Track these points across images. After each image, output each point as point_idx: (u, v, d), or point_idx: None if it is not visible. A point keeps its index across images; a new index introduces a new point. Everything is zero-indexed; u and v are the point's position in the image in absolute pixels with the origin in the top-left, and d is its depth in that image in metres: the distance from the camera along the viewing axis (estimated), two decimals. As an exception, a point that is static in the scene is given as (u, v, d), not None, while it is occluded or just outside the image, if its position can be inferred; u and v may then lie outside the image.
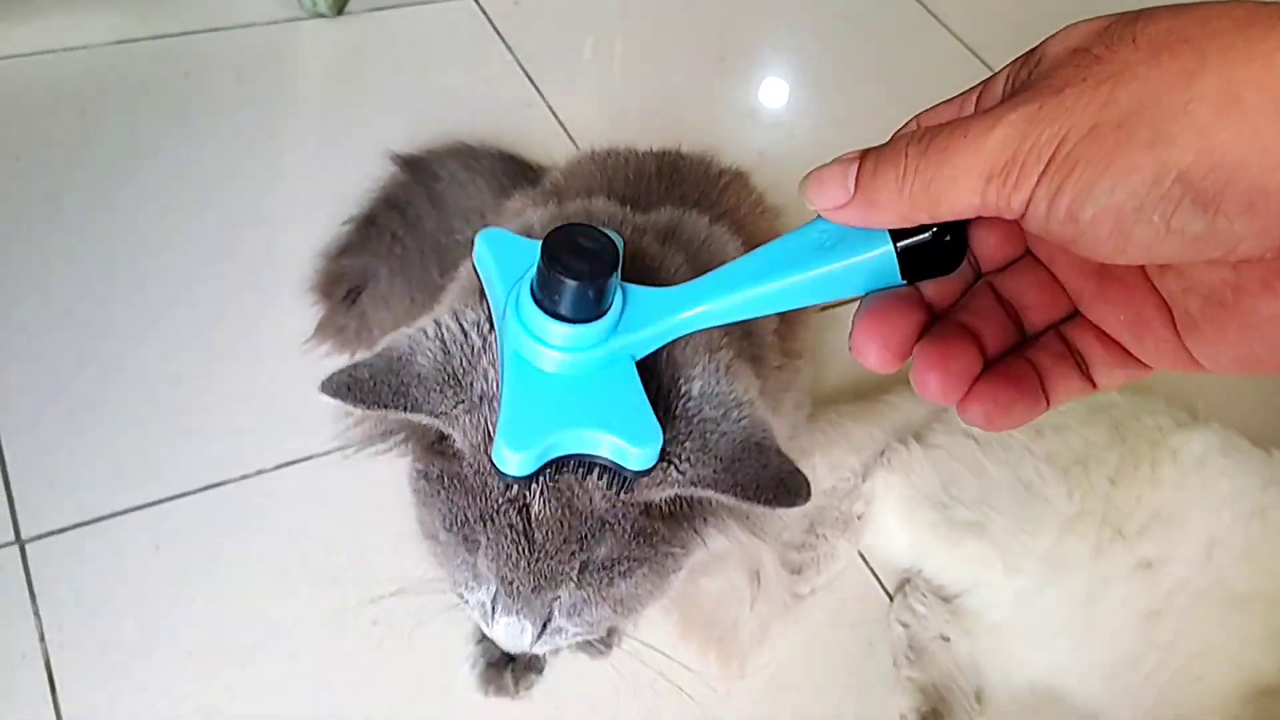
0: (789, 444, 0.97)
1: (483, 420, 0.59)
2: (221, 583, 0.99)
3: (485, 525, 0.60)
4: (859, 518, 1.07)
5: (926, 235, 0.44)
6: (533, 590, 0.61)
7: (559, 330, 0.50)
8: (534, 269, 0.51)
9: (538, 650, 0.67)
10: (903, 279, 0.45)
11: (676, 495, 0.60)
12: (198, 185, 1.28)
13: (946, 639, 1.02)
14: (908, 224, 0.42)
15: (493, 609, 0.64)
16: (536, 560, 0.60)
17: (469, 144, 1.27)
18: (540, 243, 0.50)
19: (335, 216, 1.22)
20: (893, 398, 1.13)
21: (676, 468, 0.58)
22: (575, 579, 0.61)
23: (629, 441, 0.53)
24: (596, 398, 0.53)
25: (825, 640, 1.05)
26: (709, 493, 0.58)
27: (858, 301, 0.47)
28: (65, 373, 1.10)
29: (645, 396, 0.54)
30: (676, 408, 0.60)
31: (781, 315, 0.85)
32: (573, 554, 0.60)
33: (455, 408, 0.59)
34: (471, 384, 0.59)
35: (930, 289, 0.46)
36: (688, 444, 0.59)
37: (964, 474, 1.04)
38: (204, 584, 0.99)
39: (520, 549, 0.60)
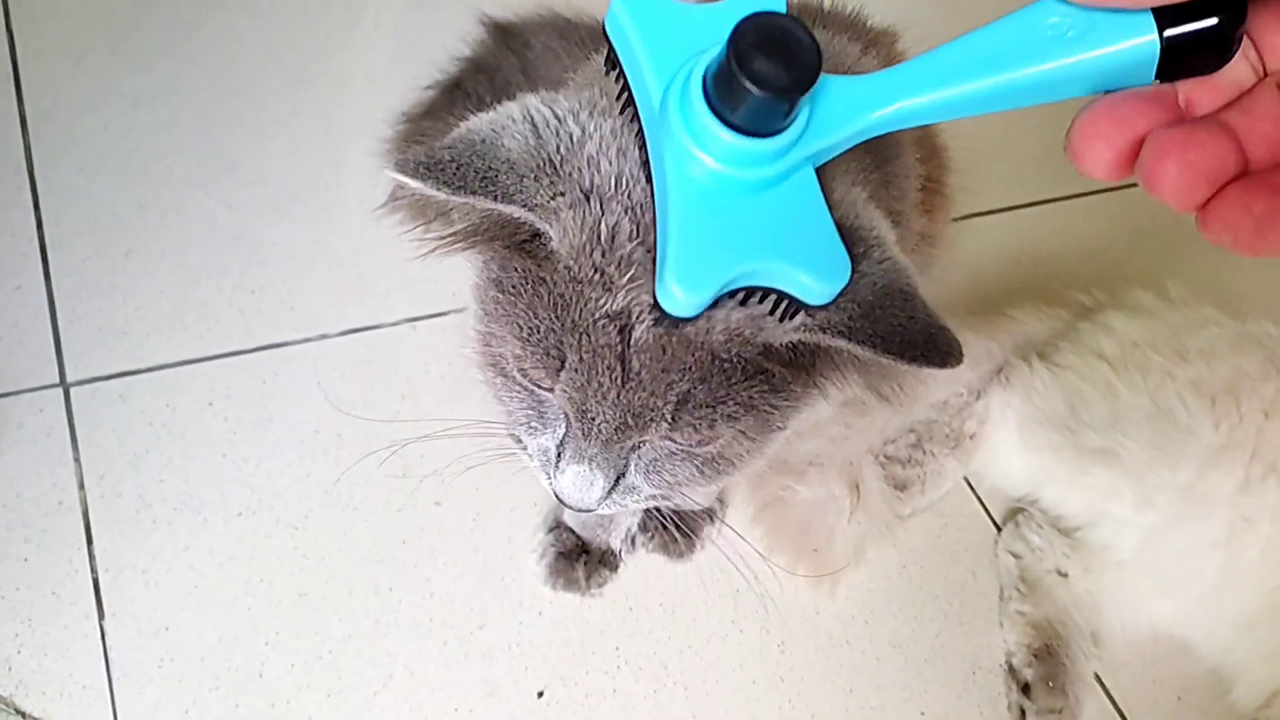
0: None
1: (590, 217, 0.48)
2: (276, 446, 0.91)
3: (576, 341, 0.49)
4: (971, 437, 0.97)
5: (1209, 21, 0.34)
6: (616, 429, 0.51)
7: (741, 144, 0.40)
8: (707, 60, 0.40)
9: (604, 510, 0.57)
10: (1158, 76, 0.36)
11: (802, 341, 0.49)
12: (272, 38, 1.20)
13: (1064, 574, 0.92)
14: None
15: (559, 455, 0.54)
16: (628, 389, 0.50)
17: (564, 15, 1.18)
18: (717, 16, 0.41)
19: (417, 80, 1.13)
20: (1017, 312, 1.03)
21: (807, 309, 0.47)
22: (669, 419, 0.51)
23: (815, 276, 0.43)
24: (780, 222, 0.43)
25: (925, 566, 0.95)
26: (842, 342, 0.47)
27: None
28: (123, 216, 1.02)
29: (831, 218, 0.44)
30: None
31: (923, 182, 0.74)
32: (670, 386, 0.49)
33: (554, 200, 0.48)
34: (573, 174, 0.48)
35: (1190, 89, 0.36)
36: None
37: (1094, 397, 0.93)
38: (257, 446, 0.91)
39: (612, 374, 0.49)
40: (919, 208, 0.73)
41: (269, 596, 0.84)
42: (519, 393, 0.55)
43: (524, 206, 0.47)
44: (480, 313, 0.56)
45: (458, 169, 0.47)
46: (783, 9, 0.40)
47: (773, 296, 0.46)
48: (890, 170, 0.63)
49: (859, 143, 0.43)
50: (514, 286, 0.52)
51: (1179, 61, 0.35)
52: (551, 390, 0.53)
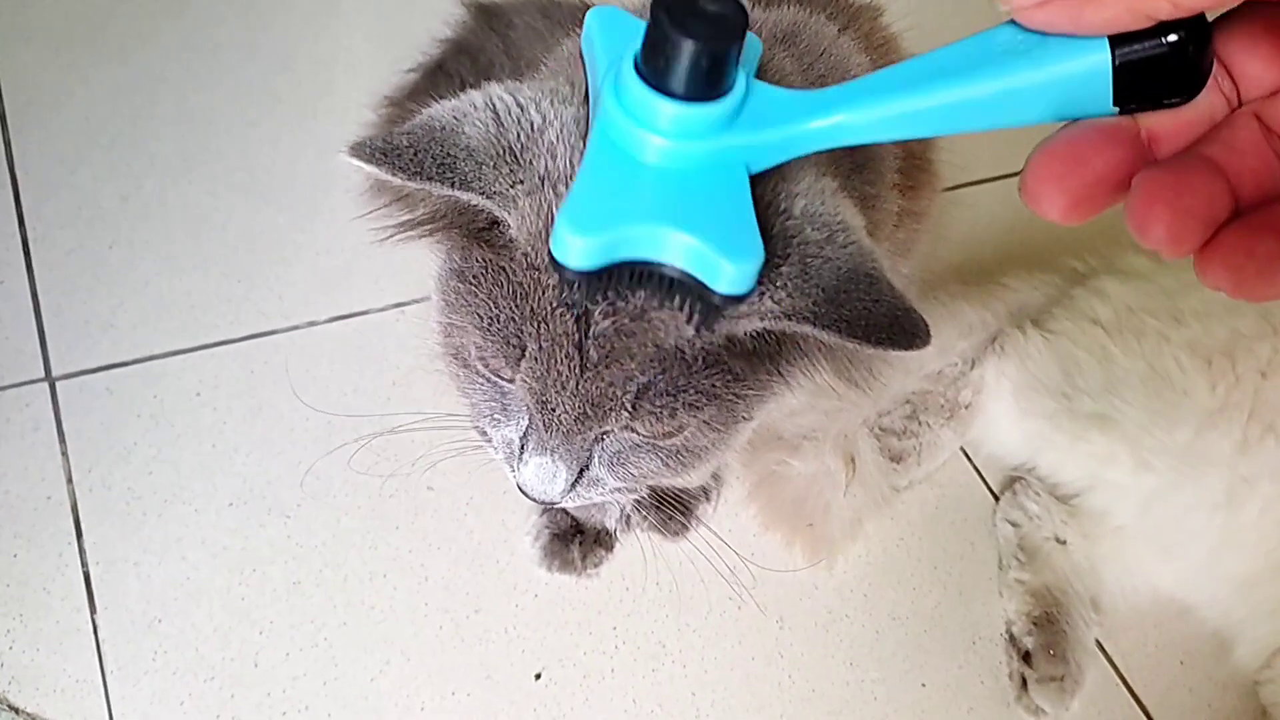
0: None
1: (546, 205, 0.48)
2: (266, 436, 0.91)
3: (534, 329, 0.49)
4: (966, 407, 0.97)
5: (1162, 40, 0.32)
6: (576, 419, 0.50)
7: (663, 108, 0.39)
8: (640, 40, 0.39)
9: (568, 504, 0.56)
10: (1115, 104, 0.34)
11: (766, 330, 0.48)
12: (251, 23, 1.18)
13: (1062, 541, 0.92)
14: (1137, 22, 0.31)
15: (522, 447, 0.54)
16: (586, 379, 0.49)
17: (548, -8, 1.17)
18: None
19: (398, 63, 1.11)
20: (1010, 280, 1.02)
21: (771, 296, 0.46)
22: (629, 408, 0.50)
23: (721, 253, 0.41)
24: (692, 197, 0.41)
25: (923, 538, 0.94)
26: (807, 328, 0.46)
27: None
28: (104, 207, 1.01)
29: (752, 208, 0.42)
30: (775, 225, 0.47)
31: (905, 161, 0.73)
32: (629, 376, 0.49)
33: (513, 188, 0.47)
34: (532, 162, 0.48)
35: (1154, 122, 0.34)
36: (785, 269, 0.46)
37: (1089, 362, 0.93)
38: (247, 435, 0.90)
39: (570, 363, 0.49)
40: (901, 187, 0.71)
41: (262, 586, 0.83)
42: (482, 384, 0.54)
43: (481, 194, 0.47)
44: (442, 303, 0.55)
45: (415, 155, 0.46)
46: None
47: (682, 298, 0.43)
48: (863, 154, 0.62)
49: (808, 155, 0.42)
50: (475, 276, 0.51)
51: (1137, 87, 0.33)
52: (512, 380, 0.52)
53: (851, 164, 0.59)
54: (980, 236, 1.10)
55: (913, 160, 0.75)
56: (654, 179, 0.41)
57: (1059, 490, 0.94)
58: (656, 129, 0.39)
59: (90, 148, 1.05)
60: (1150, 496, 0.88)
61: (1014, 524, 0.93)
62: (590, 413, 0.50)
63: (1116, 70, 0.33)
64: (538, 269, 0.48)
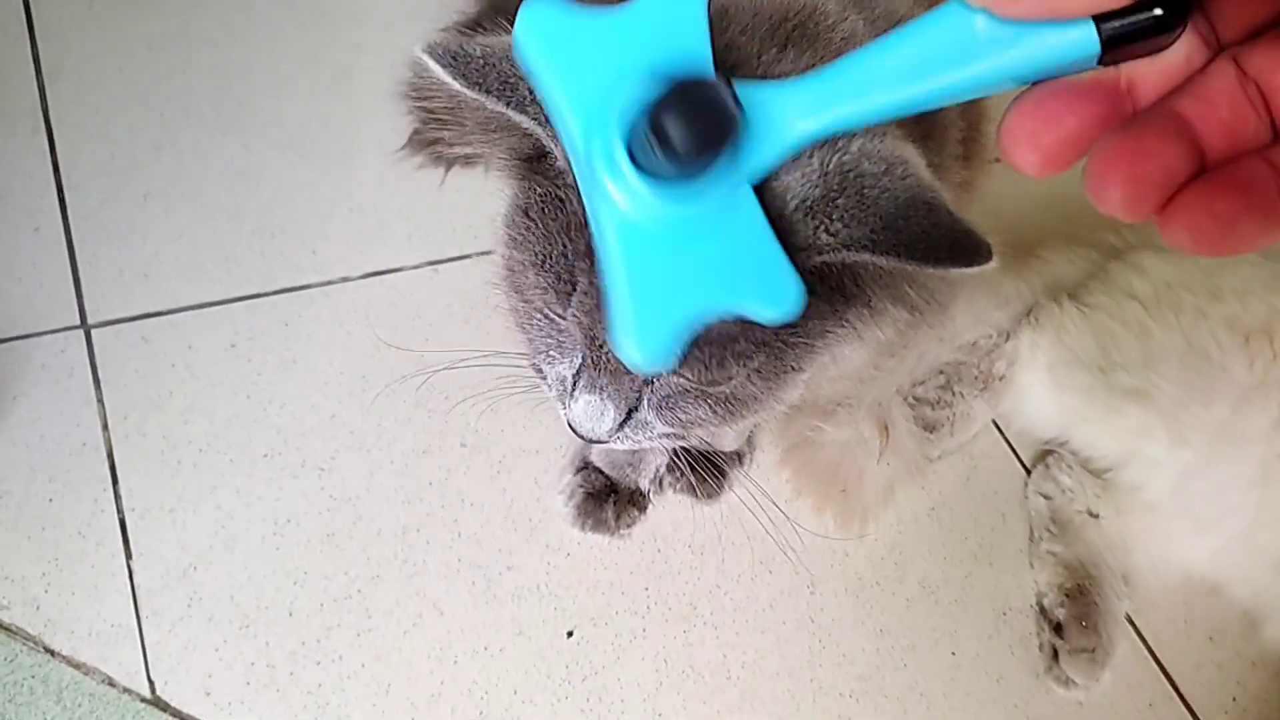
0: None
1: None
2: (300, 388, 0.90)
3: (587, 265, 0.49)
4: (1000, 379, 0.96)
5: (1150, 14, 0.32)
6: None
7: (669, 192, 0.39)
8: (625, 109, 0.38)
9: (616, 445, 0.56)
10: (1099, 64, 0.33)
11: (823, 264, 0.48)
12: (288, -20, 1.18)
13: (1095, 515, 0.92)
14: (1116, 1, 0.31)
15: (574, 383, 0.54)
16: None
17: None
18: (627, 26, 0.39)
19: (434, 21, 1.11)
20: (1047, 253, 1.01)
21: (827, 229, 0.46)
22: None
23: (765, 306, 0.41)
24: (720, 254, 0.41)
25: (954, 508, 0.94)
26: (866, 256, 0.46)
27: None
28: (140, 159, 1.01)
29: (776, 240, 0.42)
30: (830, 162, 0.48)
31: (966, 127, 0.73)
32: None
33: None
34: None
35: (1134, 70, 0.34)
36: (841, 200, 0.46)
37: (1126, 337, 0.92)
38: (281, 388, 0.90)
39: None
40: (959, 160, 0.71)
41: (297, 537, 0.83)
42: (539, 320, 0.55)
43: (534, 120, 0.47)
44: (506, 239, 0.55)
45: (483, 66, 0.47)
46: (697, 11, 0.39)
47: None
48: (929, 123, 0.62)
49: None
50: (534, 211, 0.51)
51: (1119, 48, 0.33)
52: (564, 317, 0.52)
53: (919, 132, 0.59)
54: (1017, 209, 1.09)
55: (968, 131, 0.75)
56: (685, 251, 0.40)
57: (1092, 464, 0.93)
58: (672, 202, 0.39)
59: (125, 99, 1.04)
60: (1185, 472, 0.88)
61: (1047, 496, 0.93)
62: None
63: (1104, 42, 0.33)
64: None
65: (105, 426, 0.86)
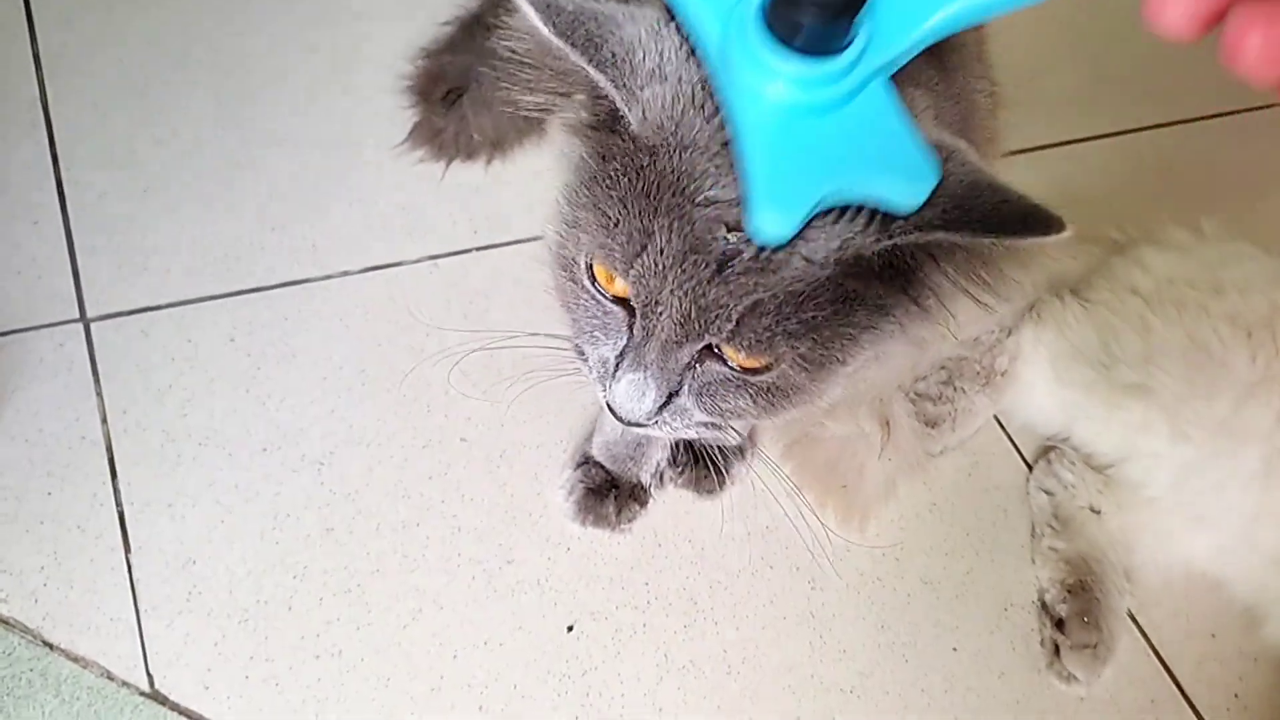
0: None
1: (668, 93, 0.49)
2: (300, 383, 0.90)
3: (666, 223, 0.49)
4: (1002, 374, 0.96)
5: None
6: (678, 325, 0.50)
7: (808, 68, 0.41)
8: None
9: (655, 431, 0.56)
10: None
11: (887, 251, 0.48)
12: (288, -26, 1.17)
13: (1097, 511, 0.91)
14: None
15: (617, 365, 0.54)
16: (707, 285, 0.49)
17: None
18: None
19: (435, 15, 1.11)
20: (1049, 248, 1.01)
21: (896, 217, 0.47)
22: (733, 323, 0.49)
23: (904, 179, 0.43)
24: (856, 135, 0.43)
25: (955, 504, 0.94)
26: (940, 235, 0.46)
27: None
28: (139, 152, 1.00)
29: (910, 124, 0.44)
30: None
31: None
32: (747, 292, 0.48)
33: (642, 90, 0.49)
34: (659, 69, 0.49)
35: None
36: None
37: (1127, 332, 0.92)
38: (281, 382, 0.90)
39: (697, 266, 0.48)
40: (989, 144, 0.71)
41: (296, 531, 0.83)
42: (586, 301, 0.55)
43: (611, 80, 0.48)
44: (566, 207, 0.55)
45: (573, 20, 0.48)
46: None
47: (864, 212, 0.46)
48: (962, 108, 0.62)
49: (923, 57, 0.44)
50: (605, 177, 0.51)
51: None
52: (625, 276, 0.51)
53: (960, 114, 0.60)
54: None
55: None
56: (822, 131, 0.42)
57: (1094, 460, 0.93)
58: (810, 86, 0.41)
59: (125, 93, 1.04)
60: (1187, 468, 0.88)
61: (1048, 492, 0.93)
62: (695, 319, 0.50)
63: None
64: (671, 162, 0.48)
65: (104, 420, 0.86)
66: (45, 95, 1.02)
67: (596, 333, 0.55)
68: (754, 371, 0.53)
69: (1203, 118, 1.26)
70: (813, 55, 0.41)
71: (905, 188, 0.44)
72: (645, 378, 0.53)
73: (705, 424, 0.56)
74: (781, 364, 0.52)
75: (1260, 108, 1.28)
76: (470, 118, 1.05)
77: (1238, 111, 1.27)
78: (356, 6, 1.16)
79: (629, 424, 0.55)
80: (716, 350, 0.52)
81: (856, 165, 0.43)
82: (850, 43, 0.41)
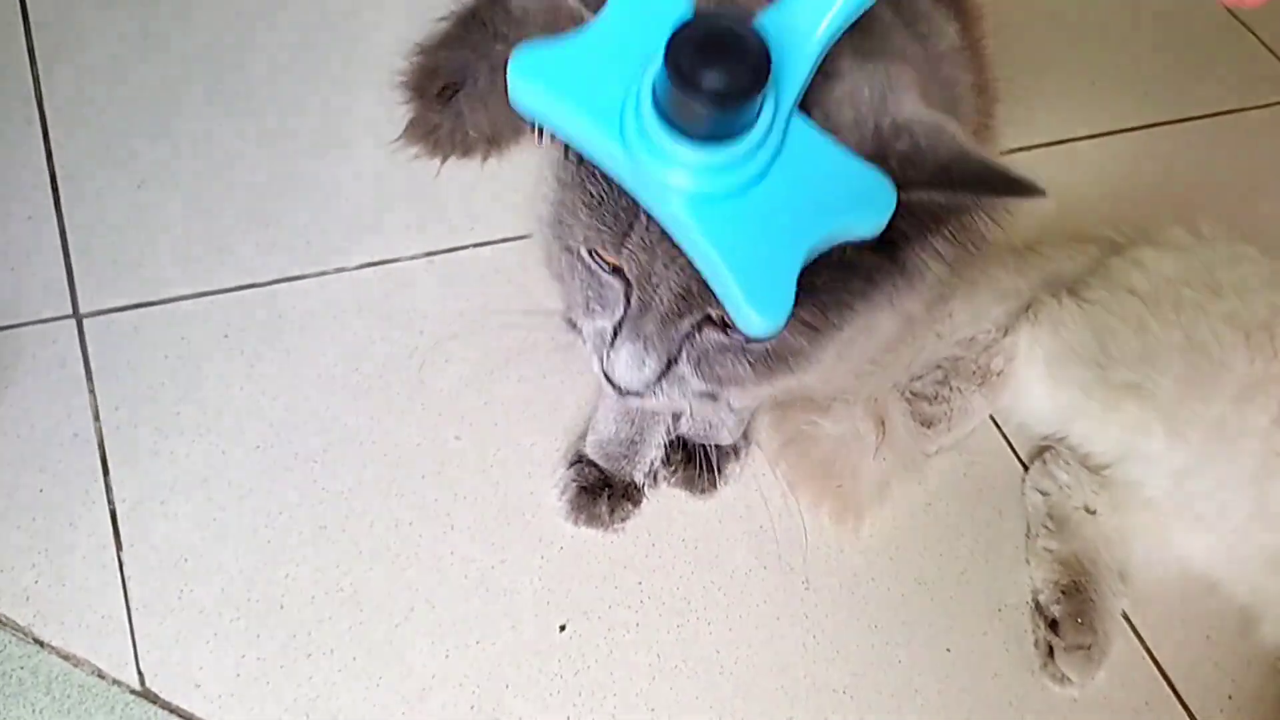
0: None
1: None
2: (294, 380, 0.90)
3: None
4: (998, 374, 0.96)
5: None
6: (676, 298, 0.51)
7: (722, 152, 0.40)
8: (644, 94, 0.40)
9: (650, 401, 0.56)
10: None
11: None
12: (285, -32, 1.17)
13: (1092, 511, 0.91)
14: None
15: (614, 335, 0.54)
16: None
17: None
18: (610, 35, 0.41)
19: (431, 11, 1.10)
20: (1047, 248, 1.01)
21: (887, 174, 0.47)
22: None
23: (865, 213, 0.44)
24: (800, 186, 0.42)
25: (950, 504, 0.94)
26: (924, 193, 0.47)
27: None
28: (134, 147, 1.00)
29: (850, 152, 0.44)
30: (883, 123, 0.50)
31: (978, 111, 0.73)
32: None
33: None
34: None
35: None
36: (898, 146, 0.49)
37: (1124, 332, 0.92)
38: (274, 379, 0.90)
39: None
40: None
41: (288, 529, 0.83)
42: (582, 274, 0.55)
43: None
44: (556, 182, 0.54)
45: None
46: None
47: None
48: (952, 94, 0.62)
49: None
50: None
51: None
52: (618, 256, 0.51)
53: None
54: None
55: (980, 116, 0.74)
56: (769, 203, 0.42)
57: (1090, 460, 0.93)
58: (739, 165, 0.41)
59: (120, 88, 1.04)
60: (1183, 468, 0.87)
61: (1044, 492, 0.93)
62: (695, 291, 0.50)
63: None
64: None
65: (96, 417, 0.85)
66: (40, 90, 1.02)
67: (593, 304, 0.55)
68: (750, 339, 0.53)
69: (1201, 117, 1.25)
70: (722, 140, 0.40)
71: (868, 214, 0.44)
72: (645, 347, 0.53)
73: (703, 393, 0.56)
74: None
75: (1259, 107, 1.28)
76: (466, 114, 1.05)
77: (1236, 111, 1.27)
78: (352, 2, 1.16)
79: (626, 394, 0.55)
80: (715, 319, 0.52)
81: (816, 216, 0.43)
82: (761, 111, 0.40)
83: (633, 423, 0.85)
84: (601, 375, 0.56)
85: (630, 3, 0.42)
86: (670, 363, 0.54)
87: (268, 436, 0.87)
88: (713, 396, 0.57)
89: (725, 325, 0.52)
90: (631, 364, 0.53)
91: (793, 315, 0.50)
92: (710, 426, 0.87)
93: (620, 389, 0.55)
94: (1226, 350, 0.89)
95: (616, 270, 0.53)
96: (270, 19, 1.12)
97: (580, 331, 0.57)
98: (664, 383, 0.54)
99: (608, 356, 0.54)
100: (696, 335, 0.53)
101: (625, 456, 0.85)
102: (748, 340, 0.52)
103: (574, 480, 0.86)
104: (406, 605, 0.81)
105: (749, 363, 0.54)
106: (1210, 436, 0.87)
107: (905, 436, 0.92)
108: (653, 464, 0.87)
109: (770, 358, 0.54)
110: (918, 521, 0.92)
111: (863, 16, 0.55)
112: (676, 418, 0.88)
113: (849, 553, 0.90)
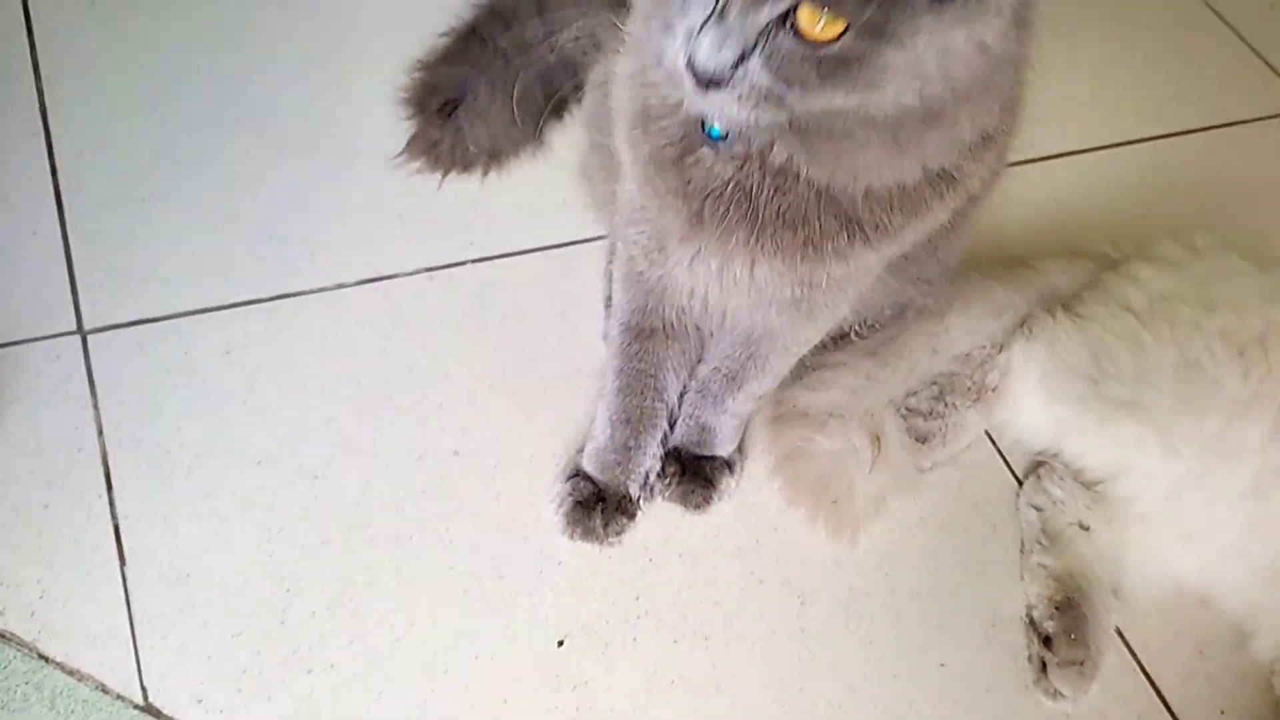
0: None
1: None
2: (296, 395, 0.91)
3: None
4: (993, 390, 0.96)
5: None
6: None
7: None
8: None
9: (719, 97, 0.57)
10: None
11: None
12: (287, -16, 1.18)
13: (1086, 527, 0.92)
14: None
15: (701, 28, 0.56)
16: None
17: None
18: None
19: (434, 27, 1.11)
20: (1040, 264, 1.02)
21: None
22: None
23: None
24: None
25: (945, 519, 0.94)
26: None
27: None
28: (138, 163, 1.01)
29: None
30: None
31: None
32: None
33: None
34: None
35: None
36: None
37: (1119, 348, 0.92)
38: (277, 394, 0.91)
39: None
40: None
41: (291, 543, 0.84)
42: None
43: None
44: None
45: None
46: None
47: None
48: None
49: None
50: None
51: None
52: None
53: None
54: (1011, 219, 1.09)
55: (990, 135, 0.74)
56: None
57: (1084, 476, 0.94)
58: None
59: (124, 103, 1.05)
60: (1177, 484, 0.88)
61: (1038, 508, 0.93)
62: None
63: None
64: None
65: (100, 432, 0.86)
66: (44, 104, 1.03)
67: (687, 5, 0.57)
68: (821, 45, 0.55)
69: (1197, 130, 1.26)
70: None
71: None
72: (725, 32, 0.56)
73: (769, 94, 0.58)
74: (851, 30, 0.54)
75: (1254, 120, 1.28)
76: (466, 129, 1.06)
77: (1232, 125, 1.28)
78: (354, 19, 1.17)
79: (703, 82, 0.57)
80: (791, 25, 0.54)
81: None
82: None
83: (629, 423, 0.86)
84: (680, 67, 0.57)
85: None
86: (744, 56, 0.56)
87: (270, 451, 0.88)
88: (779, 101, 0.58)
89: (797, 31, 0.55)
90: (714, 44, 0.56)
91: (862, 13, 0.53)
92: (705, 431, 0.88)
93: (699, 76, 0.57)
94: (1220, 366, 0.89)
95: None
96: (275, 34, 1.13)
97: (669, 30, 0.58)
98: (739, 72, 0.57)
99: (693, 40, 0.57)
100: (773, 35, 0.55)
101: (621, 465, 0.86)
102: (817, 45, 0.55)
103: (569, 495, 0.87)
104: (406, 620, 0.82)
105: (815, 65, 0.56)
106: (1204, 452, 0.87)
107: (900, 452, 0.93)
108: (648, 475, 0.88)
109: (835, 64, 0.56)
110: (913, 537, 0.93)
111: None
112: (672, 425, 0.89)
113: (844, 568, 0.90)
